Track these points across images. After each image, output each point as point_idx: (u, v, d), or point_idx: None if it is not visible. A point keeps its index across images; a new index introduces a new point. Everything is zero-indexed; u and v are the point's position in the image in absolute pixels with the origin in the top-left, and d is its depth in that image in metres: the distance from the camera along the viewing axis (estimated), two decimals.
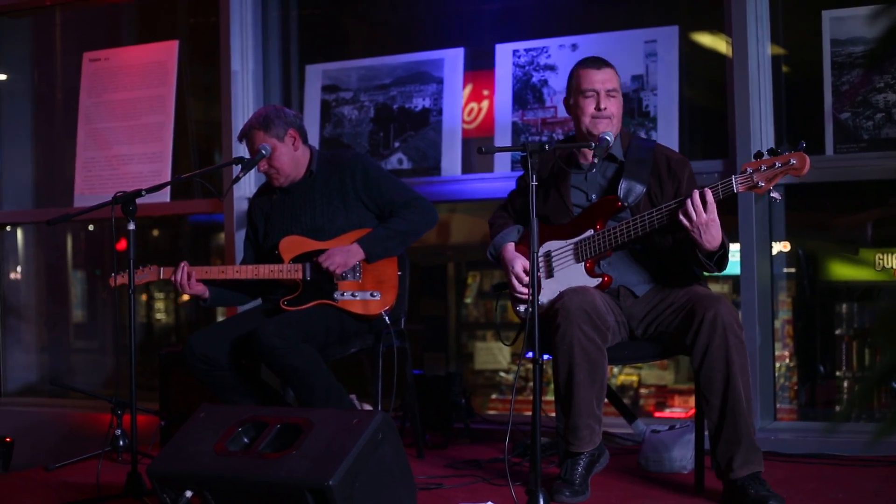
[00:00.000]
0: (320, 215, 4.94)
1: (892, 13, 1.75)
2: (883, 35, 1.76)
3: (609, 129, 4.40)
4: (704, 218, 3.99)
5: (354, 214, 4.94)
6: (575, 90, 4.48)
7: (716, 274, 4.27)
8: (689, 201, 4.01)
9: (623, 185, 4.35)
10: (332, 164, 5.01)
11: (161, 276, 4.96)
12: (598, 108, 4.40)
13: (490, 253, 4.61)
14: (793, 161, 3.87)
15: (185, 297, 4.97)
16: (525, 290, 4.41)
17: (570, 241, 4.39)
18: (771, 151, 3.92)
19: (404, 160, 6.09)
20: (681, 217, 4.03)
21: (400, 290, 4.95)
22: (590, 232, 4.34)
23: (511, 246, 4.49)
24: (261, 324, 4.66)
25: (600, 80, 4.42)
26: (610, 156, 4.46)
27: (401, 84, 6.17)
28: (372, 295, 4.84)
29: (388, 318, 4.82)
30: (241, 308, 5.43)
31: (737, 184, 3.97)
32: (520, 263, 4.43)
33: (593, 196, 4.45)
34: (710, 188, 4.02)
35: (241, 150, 6.17)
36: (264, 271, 4.90)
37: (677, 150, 5.03)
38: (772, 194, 3.96)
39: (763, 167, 3.91)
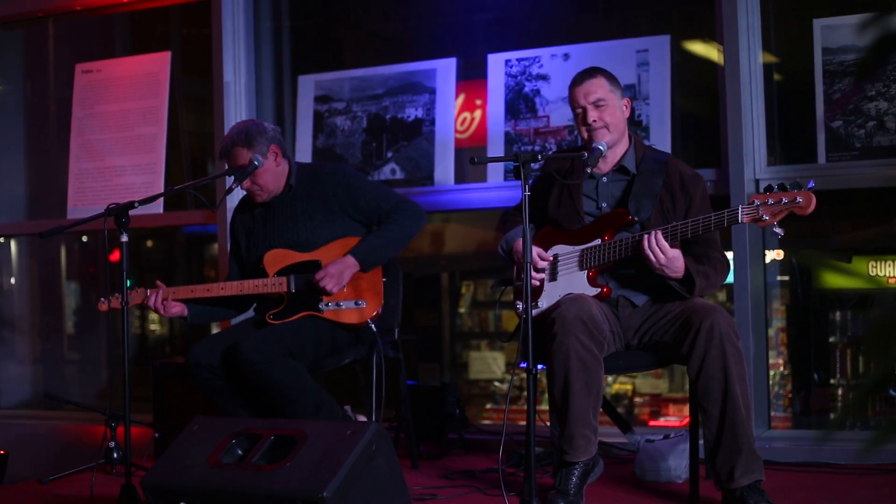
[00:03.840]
0: (303, 229, 4.91)
1: (882, 22, 1.75)
2: (873, 44, 1.77)
3: (605, 139, 4.41)
4: (664, 260, 4.12)
5: (338, 226, 4.91)
6: (572, 111, 4.52)
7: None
8: (644, 247, 4.12)
9: (633, 200, 4.36)
10: (313, 178, 4.97)
11: (146, 298, 4.92)
12: (585, 123, 4.43)
13: (501, 247, 4.61)
14: (799, 199, 3.89)
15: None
16: (538, 276, 4.42)
17: (577, 248, 4.40)
18: (780, 186, 3.94)
19: (397, 170, 6.09)
20: (644, 252, 4.15)
21: (390, 298, 4.93)
22: (597, 241, 4.35)
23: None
24: (243, 338, 4.64)
25: (583, 94, 4.44)
26: (622, 168, 4.47)
27: (393, 94, 6.17)
28: (357, 304, 4.81)
29: (375, 326, 4.80)
30: (238, 318, 5.42)
31: (742, 214, 3.98)
32: (535, 250, 4.42)
33: (604, 205, 4.46)
34: (703, 219, 4.06)
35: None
36: (249, 286, 4.88)
37: None
38: (775, 229, 3.97)
39: (770, 201, 3.93)
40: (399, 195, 5.00)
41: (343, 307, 4.82)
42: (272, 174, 4.92)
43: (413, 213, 4.92)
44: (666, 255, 4.11)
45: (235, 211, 5.22)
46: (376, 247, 4.83)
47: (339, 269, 4.78)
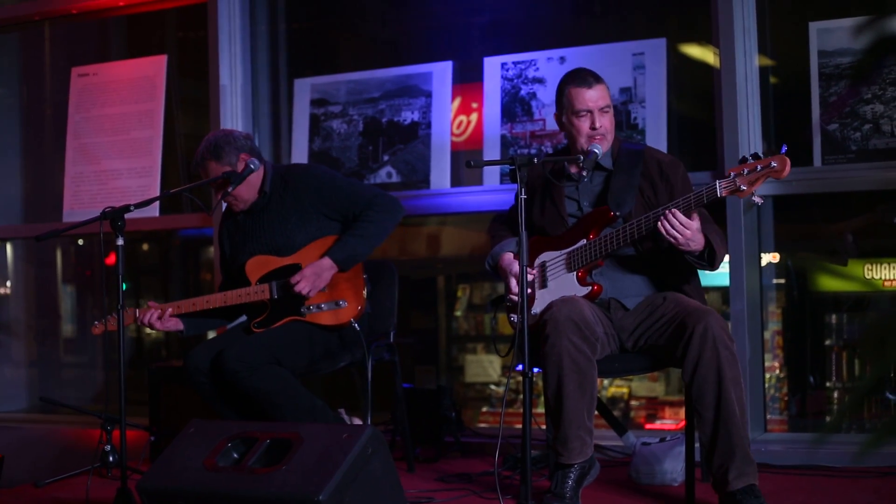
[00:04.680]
0: (279, 234, 4.88)
1: (877, 25, 1.75)
2: (869, 47, 1.77)
3: (603, 147, 4.41)
4: (688, 234, 4.05)
5: (314, 227, 4.87)
6: (567, 109, 4.46)
7: (710, 272, 4.30)
8: (662, 227, 4.07)
9: (612, 196, 4.36)
10: (285, 181, 4.94)
11: (137, 317, 4.91)
12: (592, 128, 4.41)
13: (488, 263, 4.61)
14: (773, 164, 3.91)
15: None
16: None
17: (563, 252, 4.40)
18: (754, 156, 3.95)
19: (393, 174, 6.09)
20: (667, 237, 4.07)
21: (386, 301, 4.92)
22: (583, 241, 4.35)
23: (509, 255, 4.49)
24: (226, 347, 4.63)
25: (593, 98, 4.41)
26: (598, 165, 4.47)
27: (389, 97, 6.17)
28: (338, 305, 4.79)
29: (358, 325, 4.77)
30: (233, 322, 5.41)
31: (720, 188, 3.99)
32: (518, 267, 4.42)
33: (585, 204, 4.46)
34: (694, 194, 4.05)
35: None
36: (232, 297, 4.86)
37: None
38: (753, 198, 3.98)
39: (745, 171, 3.94)
40: (374, 189, 4.96)
41: (325, 309, 4.79)
42: (245, 183, 4.88)
43: (388, 207, 4.87)
44: (690, 228, 4.05)
45: (221, 219, 5.20)
46: (352, 245, 4.79)
47: (314, 271, 4.75)
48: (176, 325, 4.91)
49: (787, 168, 3.92)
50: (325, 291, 4.79)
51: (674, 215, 4.06)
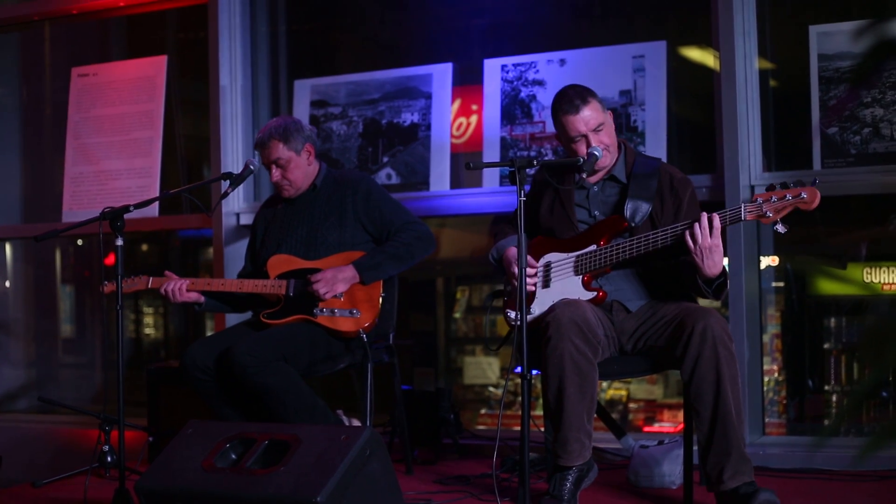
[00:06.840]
0: (315, 230, 4.95)
1: (877, 28, 1.75)
2: (868, 51, 1.77)
3: (606, 161, 4.39)
4: (709, 242, 4.02)
5: (348, 234, 4.93)
6: (563, 135, 4.42)
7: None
8: (696, 223, 4.03)
9: (629, 206, 4.34)
10: (337, 182, 5.04)
11: (150, 286, 4.97)
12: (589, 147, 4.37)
13: (492, 256, 4.60)
14: (803, 195, 3.91)
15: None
16: (529, 281, 4.39)
17: (571, 255, 4.39)
18: (783, 185, 3.95)
19: (393, 175, 6.09)
20: (687, 237, 4.05)
21: (385, 303, 4.93)
22: (592, 247, 4.34)
23: (514, 249, 4.46)
24: (236, 341, 4.64)
25: (583, 122, 4.33)
26: (612, 177, 4.46)
27: (389, 99, 6.17)
28: (351, 313, 4.81)
29: (366, 337, 4.79)
30: (234, 320, 5.41)
31: (745, 212, 3.99)
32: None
33: (597, 213, 4.45)
34: (719, 214, 4.03)
35: (230, 166, 6.20)
36: (248, 285, 4.91)
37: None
38: (777, 227, 3.97)
39: (774, 198, 3.93)
40: (414, 217, 5.01)
41: (337, 315, 4.82)
42: (303, 171, 5.00)
43: (422, 236, 4.93)
44: (715, 239, 4.00)
45: (261, 206, 5.31)
46: (379, 260, 4.85)
47: (334, 274, 4.79)
48: (197, 297, 4.99)
49: (817, 200, 3.91)
50: (341, 298, 4.82)
51: (710, 220, 4.02)
